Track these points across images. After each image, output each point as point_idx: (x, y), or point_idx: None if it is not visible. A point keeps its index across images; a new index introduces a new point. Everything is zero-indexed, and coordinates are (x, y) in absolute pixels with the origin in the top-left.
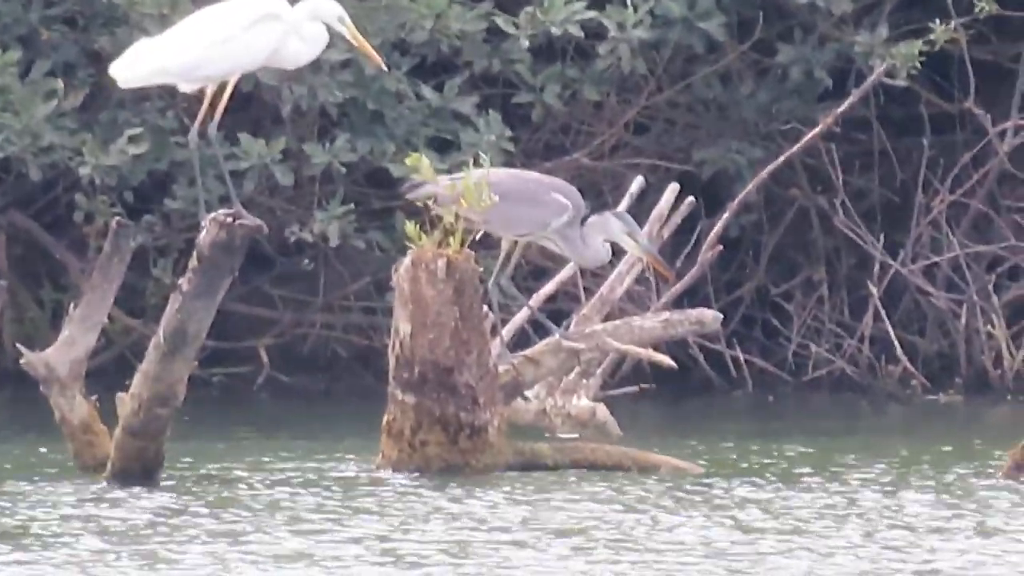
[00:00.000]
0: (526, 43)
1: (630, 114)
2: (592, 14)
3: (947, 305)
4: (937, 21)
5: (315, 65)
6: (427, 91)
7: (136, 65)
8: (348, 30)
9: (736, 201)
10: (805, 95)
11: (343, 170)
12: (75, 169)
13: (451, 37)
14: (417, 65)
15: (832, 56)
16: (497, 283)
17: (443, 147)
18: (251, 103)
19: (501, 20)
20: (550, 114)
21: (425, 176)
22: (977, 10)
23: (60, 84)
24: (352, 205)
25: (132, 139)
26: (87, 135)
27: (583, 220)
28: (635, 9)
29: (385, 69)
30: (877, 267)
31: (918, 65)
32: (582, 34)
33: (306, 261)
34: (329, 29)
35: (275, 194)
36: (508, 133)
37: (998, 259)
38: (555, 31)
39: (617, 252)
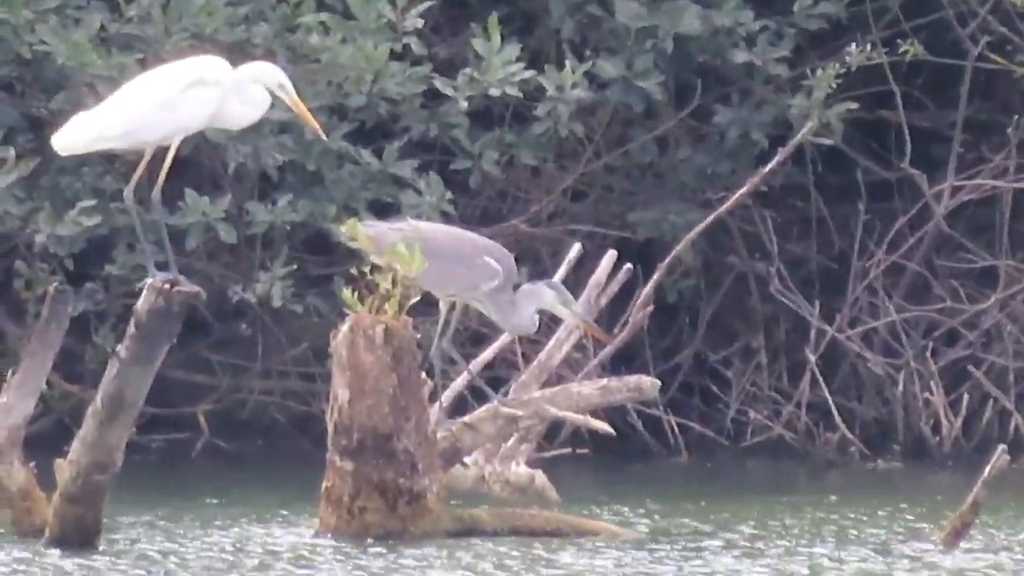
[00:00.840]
0: (464, 105)
1: (568, 180)
2: (530, 74)
3: (884, 371)
4: (854, 46)
5: (258, 126)
6: (366, 155)
7: (76, 133)
8: (288, 97)
9: (667, 260)
10: (741, 158)
11: (287, 228)
12: (28, 236)
13: (389, 101)
14: (356, 130)
15: (769, 119)
16: (439, 348)
17: (384, 210)
18: (193, 162)
19: (439, 82)
20: (488, 180)
21: (361, 244)
22: (901, 51)
23: (11, 152)
24: (294, 267)
25: (84, 211)
26: (36, 203)
27: (516, 287)
28: (572, 70)
29: (324, 138)
30: (814, 333)
31: (850, 107)
32: (520, 95)
33: (244, 326)
34: (270, 93)
35: (215, 258)
36: (448, 196)
37: (935, 324)
38: (493, 92)
39: (554, 320)
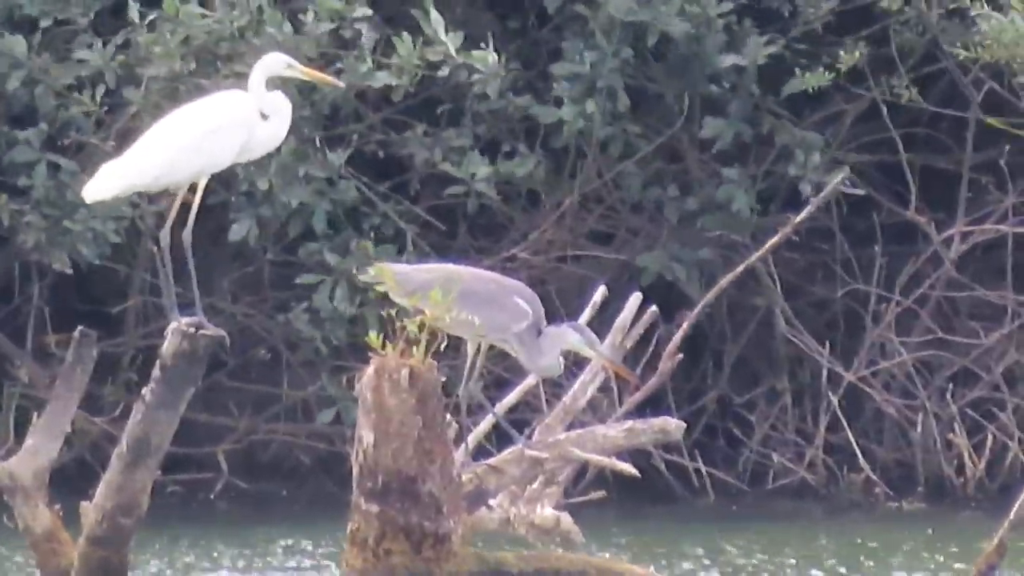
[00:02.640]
0: (407, 90)
1: (591, 219)
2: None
3: (901, 414)
4: (842, 52)
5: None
6: (331, 156)
7: (105, 182)
8: (299, 70)
9: (695, 311)
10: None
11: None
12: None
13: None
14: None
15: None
16: (467, 389)
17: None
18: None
19: (381, 74)
20: (512, 221)
21: (388, 287)
22: (897, 91)
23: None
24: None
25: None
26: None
27: (540, 330)
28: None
29: (342, 86)
30: (827, 376)
31: (814, 88)
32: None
33: (263, 351)
34: (281, 80)
35: (238, 300)
36: (411, 210)
37: (954, 365)
38: (440, 73)
39: (579, 362)
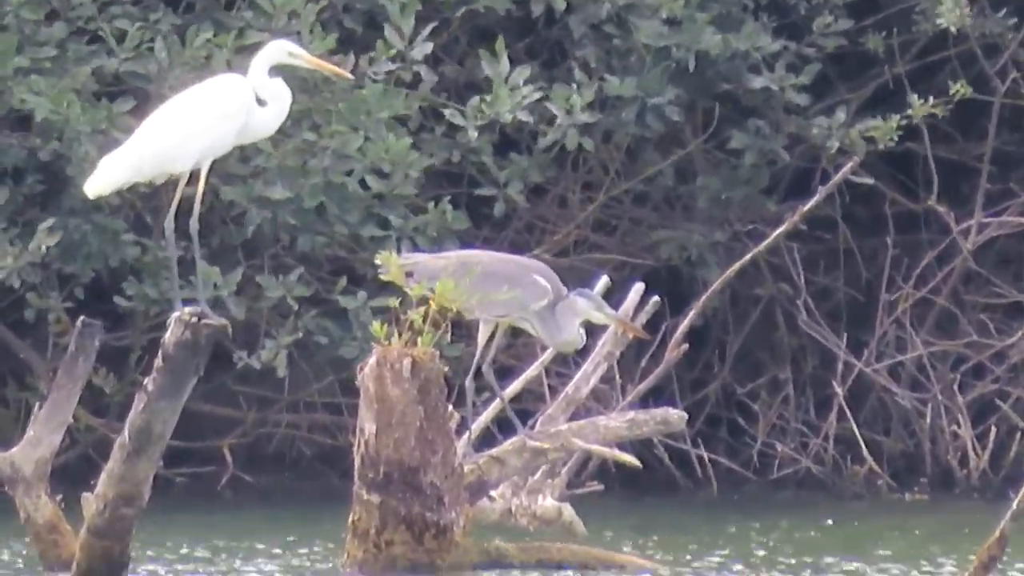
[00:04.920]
0: (475, 134)
1: (591, 209)
2: (539, 95)
3: (912, 404)
4: (916, 96)
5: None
6: (371, 180)
7: (106, 175)
8: (303, 59)
9: (701, 301)
10: (759, 182)
11: (295, 306)
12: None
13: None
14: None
15: (787, 141)
16: (479, 373)
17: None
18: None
19: (448, 112)
20: (515, 211)
21: (394, 277)
22: (952, 91)
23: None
24: (299, 335)
25: (50, 231)
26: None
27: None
28: (578, 85)
29: (351, 77)
30: (841, 366)
31: (894, 139)
32: (530, 119)
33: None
34: (285, 67)
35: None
36: (459, 216)
37: (962, 357)
38: (506, 118)
39: (580, 353)
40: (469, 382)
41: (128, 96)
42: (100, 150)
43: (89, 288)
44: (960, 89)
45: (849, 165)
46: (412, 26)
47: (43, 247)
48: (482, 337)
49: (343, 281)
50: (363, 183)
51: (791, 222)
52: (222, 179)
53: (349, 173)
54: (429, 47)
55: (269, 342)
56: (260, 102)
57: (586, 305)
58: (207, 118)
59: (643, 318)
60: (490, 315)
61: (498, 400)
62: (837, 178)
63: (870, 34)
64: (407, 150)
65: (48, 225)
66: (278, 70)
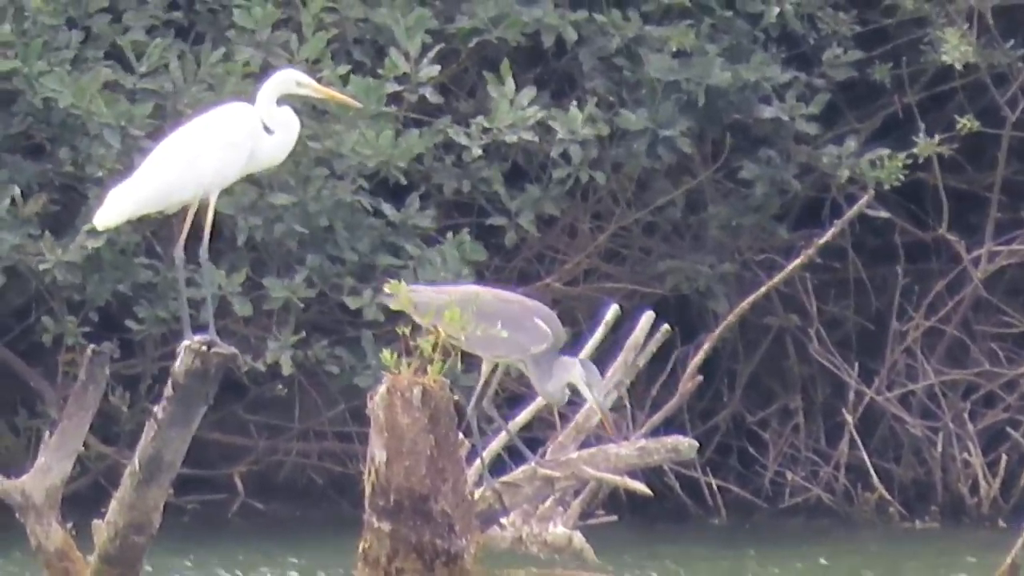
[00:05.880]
0: (479, 151)
1: (601, 238)
2: (542, 114)
3: (923, 432)
4: (921, 135)
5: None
6: (386, 208)
7: (115, 207)
8: (310, 89)
9: (715, 333)
10: (769, 211)
11: (301, 306)
12: (36, 270)
13: (407, 163)
14: (378, 184)
15: (798, 170)
16: (479, 407)
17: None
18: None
19: (452, 131)
20: (524, 241)
21: (403, 306)
22: (959, 127)
23: (18, 191)
24: (303, 334)
25: (91, 234)
26: (47, 235)
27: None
28: (581, 107)
29: (359, 106)
30: (852, 394)
31: (901, 178)
32: (535, 139)
33: (280, 387)
34: (293, 97)
35: (250, 322)
36: (477, 249)
37: (973, 386)
38: (509, 138)
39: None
40: (471, 412)
41: (148, 101)
42: (122, 146)
43: (101, 313)
44: (967, 124)
45: (864, 199)
46: (419, 48)
47: (89, 247)
48: (483, 374)
49: (349, 281)
50: (376, 210)
51: (806, 255)
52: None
53: (356, 192)
54: (436, 70)
55: (273, 343)
56: (267, 131)
57: (580, 374)
58: (213, 148)
59: (652, 347)
60: (489, 354)
61: (517, 418)
62: (852, 212)
63: (877, 65)
64: (391, 142)
65: (91, 227)
66: (286, 99)
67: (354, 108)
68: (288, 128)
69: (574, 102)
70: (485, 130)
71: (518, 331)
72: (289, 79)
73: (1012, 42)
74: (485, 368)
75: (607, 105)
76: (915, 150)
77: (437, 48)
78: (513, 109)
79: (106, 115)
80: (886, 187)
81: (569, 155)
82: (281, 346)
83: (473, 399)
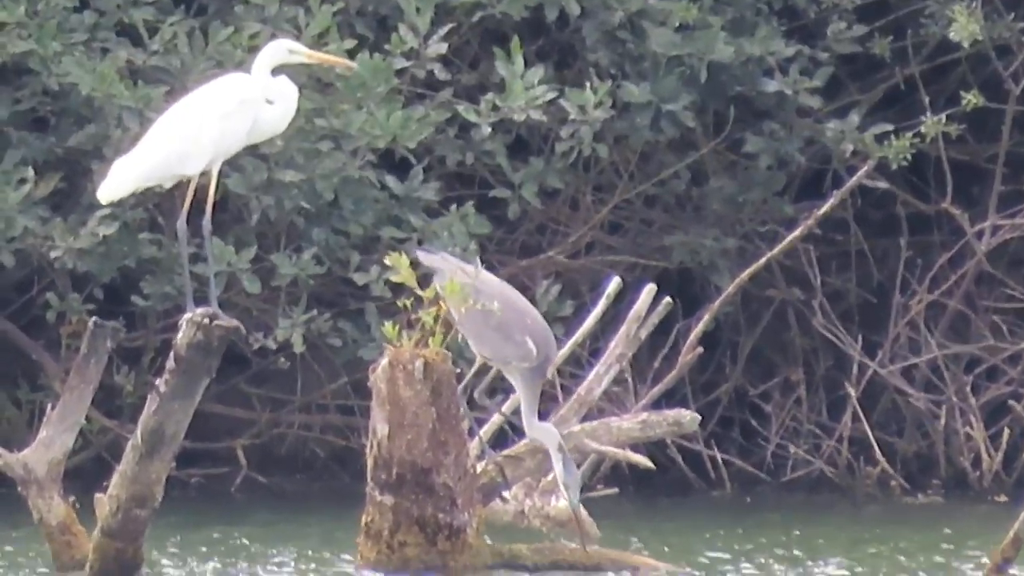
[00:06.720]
0: (488, 130)
1: (604, 211)
2: (552, 95)
3: (926, 406)
4: (928, 114)
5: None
6: (390, 181)
7: (118, 180)
8: (304, 55)
9: (715, 305)
10: (773, 185)
11: (310, 282)
12: (47, 255)
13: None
14: (382, 157)
15: (801, 144)
16: (467, 395)
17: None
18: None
19: (462, 108)
20: (527, 213)
21: (405, 279)
22: (964, 103)
23: (31, 172)
24: (314, 312)
25: (103, 220)
26: (58, 220)
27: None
28: (594, 90)
29: (355, 66)
30: (855, 368)
31: (908, 158)
32: (544, 118)
33: (282, 359)
34: (288, 66)
35: (255, 297)
36: (482, 223)
37: (976, 359)
38: (517, 116)
39: (594, 351)
40: (460, 397)
41: (161, 83)
42: (141, 128)
43: (106, 289)
44: (972, 99)
45: (864, 169)
46: (428, 25)
47: (100, 234)
48: (475, 365)
49: (356, 257)
50: (382, 184)
51: (806, 225)
52: (232, 167)
53: (363, 167)
54: (444, 47)
55: (284, 321)
56: (267, 101)
57: (555, 453)
58: (213, 118)
59: (654, 320)
60: (476, 347)
61: (511, 399)
62: (852, 182)
63: (878, 38)
64: (401, 122)
65: (104, 214)
66: (282, 69)
67: (349, 70)
68: (287, 97)
69: (587, 84)
70: (495, 108)
71: (505, 341)
72: (281, 48)
73: (1014, 15)
74: (479, 359)
75: (610, 78)
76: (921, 129)
77: (449, 27)
78: (526, 92)
79: (126, 97)
80: (893, 166)
81: (581, 136)
82: (293, 324)
83: (460, 386)
